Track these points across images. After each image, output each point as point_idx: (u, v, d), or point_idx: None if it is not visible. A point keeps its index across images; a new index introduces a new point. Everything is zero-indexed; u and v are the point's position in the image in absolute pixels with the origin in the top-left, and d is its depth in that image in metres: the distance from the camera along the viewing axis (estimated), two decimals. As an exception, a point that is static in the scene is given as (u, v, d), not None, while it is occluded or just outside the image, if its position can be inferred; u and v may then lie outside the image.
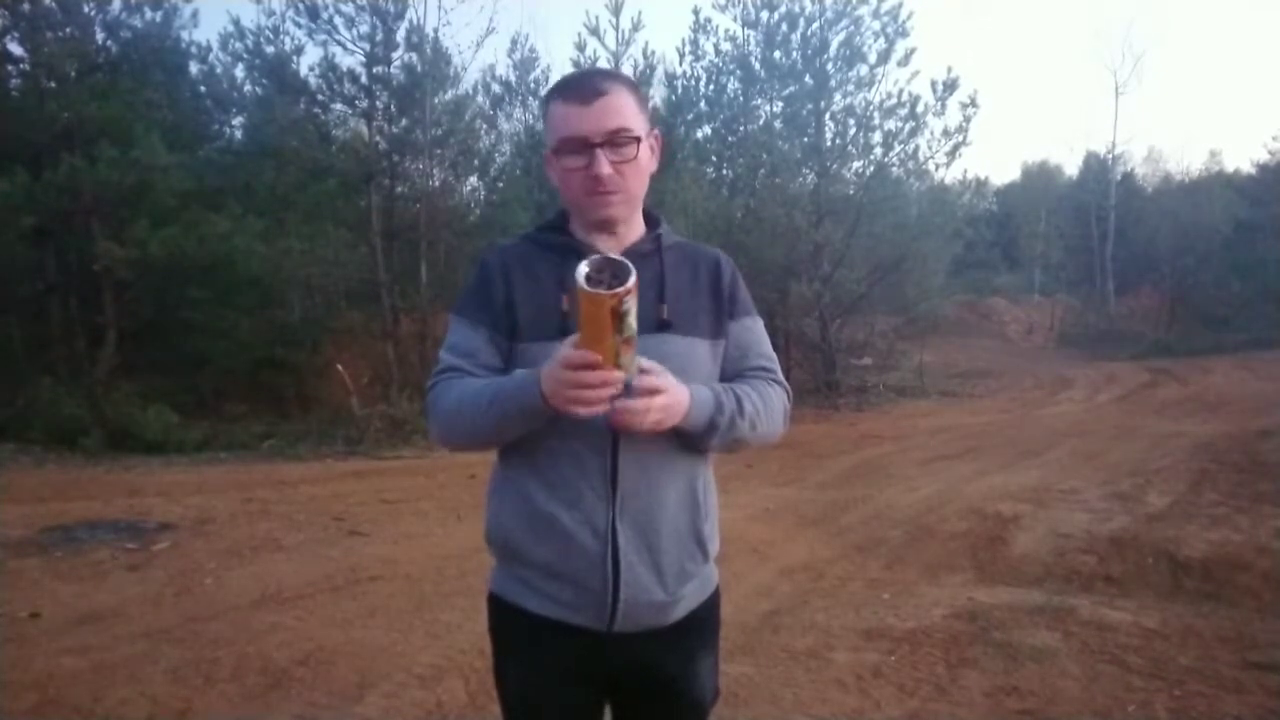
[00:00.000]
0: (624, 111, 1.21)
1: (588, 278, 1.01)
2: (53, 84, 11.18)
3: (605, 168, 1.21)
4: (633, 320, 1.01)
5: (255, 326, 13.22)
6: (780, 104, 16.04)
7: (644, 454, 1.23)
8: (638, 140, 1.23)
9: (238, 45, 14.01)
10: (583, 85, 1.22)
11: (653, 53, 16.49)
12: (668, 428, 1.18)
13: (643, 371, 1.10)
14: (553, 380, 1.08)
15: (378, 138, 13.31)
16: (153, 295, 12.62)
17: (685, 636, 1.31)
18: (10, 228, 10.65)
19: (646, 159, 1.27)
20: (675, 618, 1.29)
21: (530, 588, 1.27)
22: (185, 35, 13.79)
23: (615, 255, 1.04)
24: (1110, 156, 29.80)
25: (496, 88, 16.10)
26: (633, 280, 0.99)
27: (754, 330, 1.38)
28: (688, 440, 1.25)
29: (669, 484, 1.26)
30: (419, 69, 12.96)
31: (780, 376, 1.38)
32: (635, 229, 1.33)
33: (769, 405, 1.32)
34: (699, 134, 17.02)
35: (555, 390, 1.08)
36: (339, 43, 12.62)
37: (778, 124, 15.74)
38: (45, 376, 10.49)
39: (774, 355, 1.40)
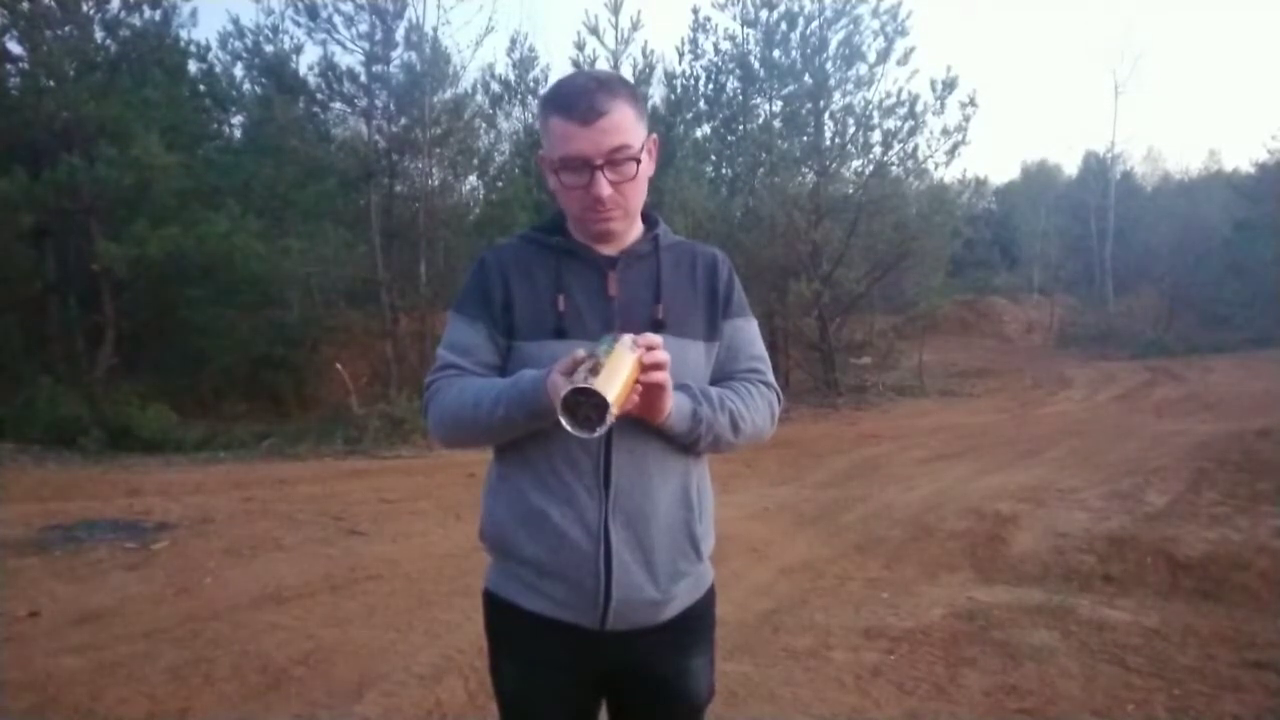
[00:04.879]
0: (624, 129, 1.20)
1: (571, 424, 1.03)
2: (51, 83, 11.16)
3: (606, 189, 1.21)
4: (616, 382, 1.03)
5: (254, 326, 13.23)
6: (779, 103, 16.07)
7: (637, 452, 1.24)
8: (638, 159, 1.22)
9: (237, 44, 14.11)
10: (582, 104, 1.19)
11: (652, 51, 16.54)
12: (657, 421, 1.19)
13: (652, 344, 1.12)
14: (556, 389, 1.09)
15: (377, 137, 13.31)
16: (151, 295, 12.62)
17: (679, 635, 1.32)
18: (9, 227, 10.65)
19: (646, 169, 1.27)
20: (668, 616, 1.29)
21: (524, 585, 1.28)
22: (184, 34, 13.87)
23: (574, 387, 1.02)
24: (1109, 156, 29.85)
25: (496, 87, 16.11)
26: (609, 417, 1.02)
27: (746, 331, 1.38)
28: (673, 441, 1.25)
29: (662, 482, 1.26)
30: (418, 68, 12.96)
31: (770, 377, 1.39)
32: (633, 231, 1.33)
33: (752, 406, 1.32)
34: (698, 133, 17.03)
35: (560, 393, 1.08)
36: (338, 41, 12.66)
37: (777, 123, 15.74)
38: (44, 376, 10.49)
39: (765, 356, 1.41)
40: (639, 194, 1.27)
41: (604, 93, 1.20)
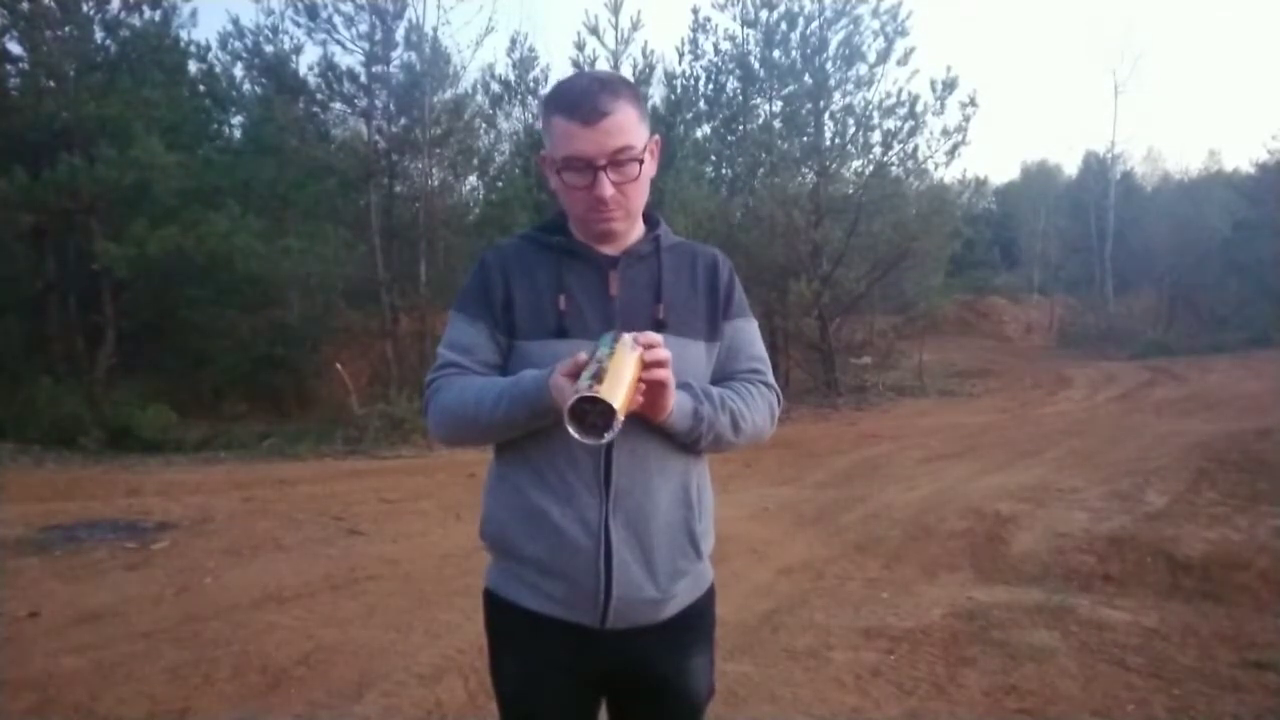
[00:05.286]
0: (627, 130, 1.20)
1: (579, 431, 1.03)
2: (52, 83, 11.18)
3: (608, 190, 1.21)
4: (621, 390, 1.03)
5: (254, 326, 13.24)
6: (779, 103, 16.06)
7: (638, 452, 1.24)
8: (640, 160, 1.23)
9: (237, 44, 14.05)
10: (585, 104, 1.19)
11: (652, 52, 16.50)
12: (659, 419, 1.19)
13: (654, 343, 1.13)
14: (561, 393, 1.09)
15: (377, 137, 13.31)
16: (152, 295, 12.64)
17: (679, 633, 1.32)
18: (9, 227, 10.67)
19: (648, 170, 1.27)
20: (668, 615, 1.29)
21: (524, 583, 1.28)
22: (184, 34, 13.87)
23: (580, 395, 1.01)
24: (1109, 156, 29.73)
25: (496, 87, 16.07)
26: (616, 423, 1.02)
27: (746, 331, 1.39)
28: (674, 440, 1.26)
29: (662, 482, 1.26)
30: (418, 68, 12.97)
31: (769, 378, 1.39)
32: (634, 231, 1.34)
33: (753, 406, 1.33)
34: (698, 133, 17.02)
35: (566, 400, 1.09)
36: (338, 42, 12.66)
37: (777, 123, 15.74)
38: (44, 376, 10.49)
39: (765, 356, 1.41)
40: (641, 194, 1.28)
41: (607, 94, 1.20)
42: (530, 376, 1.18)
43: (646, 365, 1.10)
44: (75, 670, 3.11)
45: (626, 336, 1.11)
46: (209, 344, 12.80)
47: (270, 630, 3.54)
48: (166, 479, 7.31)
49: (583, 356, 1.10)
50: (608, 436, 1.03)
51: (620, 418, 1.02)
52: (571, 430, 1.03)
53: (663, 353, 1.13)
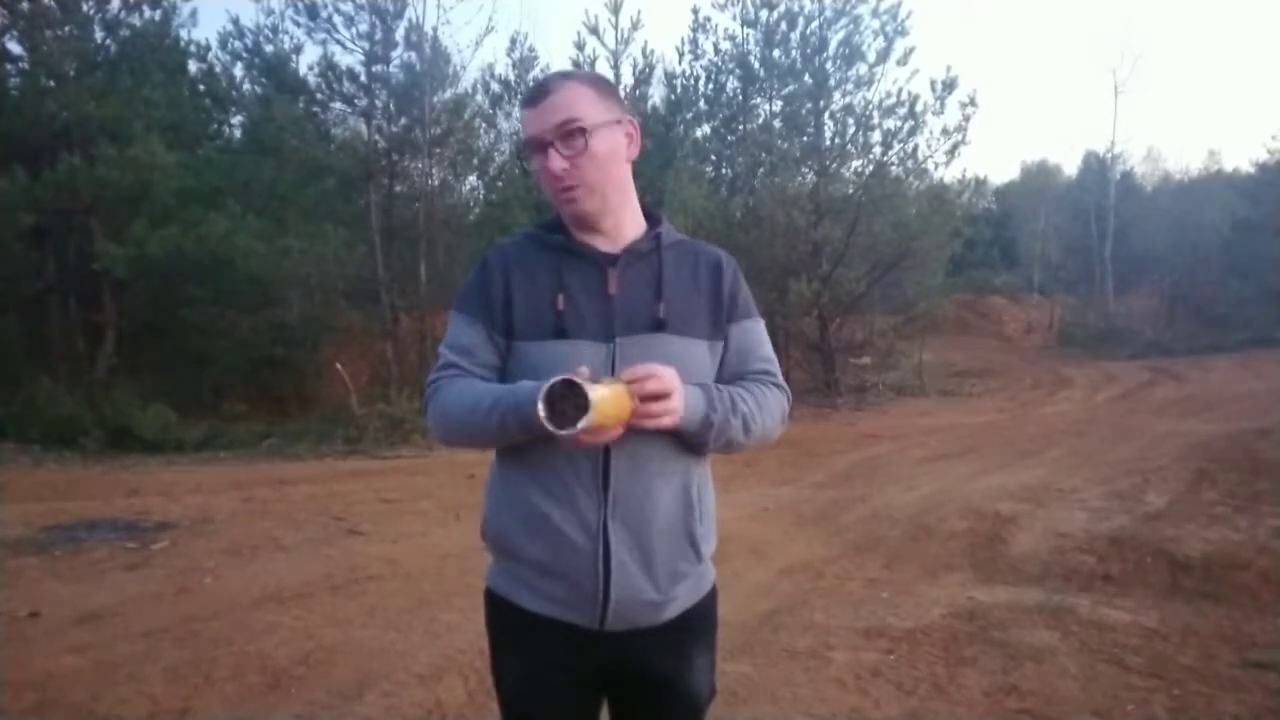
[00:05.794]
0: (574, 105, 1.23)
1: (549, 419, 1.03)
2: (52, 83, 11.18)
3: (556, 163, 1.23)
4: (604, 391, 1.04)
5: (254, 326, 13.23)
6: (779, 103, 16.08)
7: (637, 454, 1.23)
8: (584, 130, 1.23)
9: (237, 44, 14.11)
10: (535, 87, 1.26)
11: (652, 52, 16.55)
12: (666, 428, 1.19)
13: (643, 379, 1.12)
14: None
15: (377, 136, 13.32)
16: (152, 294, 12.64)
17: (680, 635, 1.31)
18: (9, 227, 10.66)
19: (606, 148, 1.25)
20: (668, 617, 1.29)
21: (525, 584, 1.28)
22: (184, 34, 13.90)
23: (559, 379, 1.03)
24: (1109, 156, 29.71)
25: (495, 86, 16.12)
26: (590, 415, 1.01)
27: (754, 332, 1.37)
28: (683, 441, 1.25)
29: (662, 484, 1.26)
30: (418, 68, 12.98)
31: (780, 379, 1.38)
32: (630, 226, 1.32)
33: (764, 408, 1.32)
34: (698, 133, 17.07)
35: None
36: (338, 41, 12.67)
37: (777, 123, 15.76)
38: (44, 376, 10.51)
39: (774, 357, 1.40)
40: (598, 170, 1.25)
41: (558, 78, 1.26)
42: (526, 388, 1.17)
43: (641, 416, 1.12)
44: (75, 670, 3.11)
45: (623, 385, 1.11)
46: (209, 344, 12.80)
47: (270, 630, 3.53)
48: (166, 479, 7.31)
49: (584, 370, 1.09)
50: (569, 431, 1.02)
51: (593, 417, 1.02)
52: (540, 409, 1.03)
53: (659, 407, 1.13)
